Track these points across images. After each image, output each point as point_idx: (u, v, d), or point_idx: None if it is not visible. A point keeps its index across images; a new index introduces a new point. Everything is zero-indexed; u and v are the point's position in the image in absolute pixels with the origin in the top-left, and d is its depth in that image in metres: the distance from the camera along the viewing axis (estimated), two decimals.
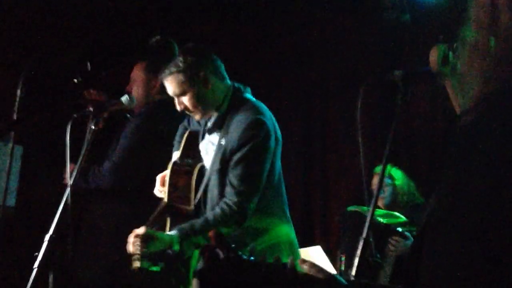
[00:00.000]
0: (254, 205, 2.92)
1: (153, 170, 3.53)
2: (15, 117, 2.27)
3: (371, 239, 2.14)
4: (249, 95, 3.16)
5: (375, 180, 5.16)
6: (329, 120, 5.94)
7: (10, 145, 2.46)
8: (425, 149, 5.50)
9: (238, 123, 2.97)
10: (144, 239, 2.76)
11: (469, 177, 1.08)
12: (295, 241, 3.14)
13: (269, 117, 3.04)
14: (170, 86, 3.05)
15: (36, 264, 2.61)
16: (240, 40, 5.74)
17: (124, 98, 3.23)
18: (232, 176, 2.92)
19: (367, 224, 2.17)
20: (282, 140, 3.13)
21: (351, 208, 4.47)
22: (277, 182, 3.08)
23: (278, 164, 3.08)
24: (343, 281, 1.40)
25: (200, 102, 3.03)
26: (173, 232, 2.85)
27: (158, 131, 3.58)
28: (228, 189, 2.93)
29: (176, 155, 3.30)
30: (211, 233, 1.41)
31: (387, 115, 5.58)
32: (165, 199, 3.13)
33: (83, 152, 2.88)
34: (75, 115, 2.90)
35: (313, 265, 1.41)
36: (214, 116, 3.11)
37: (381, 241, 3.80)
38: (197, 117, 3.11)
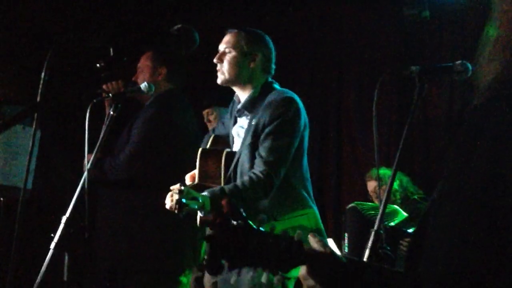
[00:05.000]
0: (281, 177, 3.01)
1: (167, 160, 3.56)
2: (38, 99, 2.30)
3: (381, 231, 2.16)
4: (278, 86, 3.25)
5: (371, 184, 5.18)
6: (344, 113, 5.94)
7: (33, 128, 2.49)
8: (441, 147, 5.49)
9: (269, 103, 3.07)
10: (180, 192, 2.81)
11: (474, 155, 1.10)
12: (320, 223, 3.19)
13: (299, 100, 3.15)
14: (229, 37, 3.19)
15: (52, 245, 2.65)
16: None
17: (143, 85, 3.27)
18: (262, 148, 3.02)
19: (379, 216, 2.19)
20: None
21: (350, 205, 4.52)
22: (305, 166, 3.19)
23: (305, 147, 3.18)
24: (343, 259, 1.44)
25: (235, 67, 3.13)
26: (204, 193, 2.91)
27: (171, 120, 3.60)
28: (257, 160, 3.02)
29: None
30: (223, 201, 1.45)
31: (403, 109, 5.58)
32: (196, 182, 3.19)
33: (101, 137, 2.91)
34: (94, 100, 2.93)
35: (319, 241, 1.45)
36: (243, 98, 3.19)
37: (392, 244, 3.83)
38: (219, 78, 3.18)
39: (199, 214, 2.93)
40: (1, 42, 4.96)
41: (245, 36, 3.17)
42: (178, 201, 2.72)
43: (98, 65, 2.09)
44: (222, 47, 3.20)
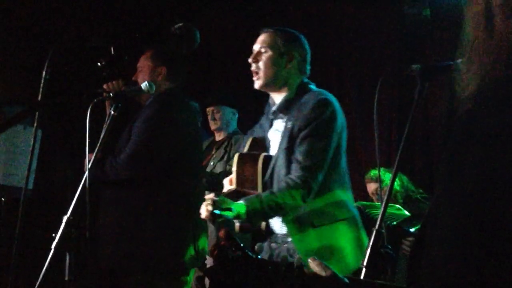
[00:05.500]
0: (319, 181, 2.93)
1: (168, 159, 3.56)
2: (39, 98, 2.31)
3: (383, 231, 2.16)
4: (314, 87, 3.18)
5: (371, 186, 5.18)
6: (345, 113, 5.93)
7: (33, 127, 2.49)
8: (442, 147, 5.49)
9: (304, 105, 2.99)
10: (215, 202, 2.79)
11: (465, 162, 1.11)
12: (362, 229, 3.10)
13: (336, 101, 3.07)
14: (265, 37, 3.10)
15: (53, 245, 2.65)
16: (255, 31, 5.74)
17: (144, 85, 3.26)
18: (298, 152, 2.94)
19: (380, 216, 2.19)
20: None
21: (354, 205, 4.51)
22: (344, 166, 3.11)
23: (344, 148, 3.10)
24: (345, 279, 1.43)
25: (271, 68, 3.05)
26: (240, 202, 2.86)
27: (171, 119, 3.59)
28: (294, 165, 2.94)
29: None
30: (221, 233, 1.45)
31: (403, 109, 5.58)
32: (233, 187, 3.12)
33: (102, 137, 2.90)
34: (95, 100, 2.92)
35: (319, 264, 1.45)
36: (279, 100, 3.11)
37: (395, 243, 3.83)
38: (256, 82, 3.10)
39: (236, 223, 2.90)
40: (1, 41, 4.96)
41: (282, 36, 3.08)
42: (211, 212, 2.71)
43: (99, 64, 2.10)
44: (257, 47, 3.11)
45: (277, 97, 3.12)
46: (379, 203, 4.61)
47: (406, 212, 4.31)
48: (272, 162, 3.04)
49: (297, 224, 2.97)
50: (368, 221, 4.21)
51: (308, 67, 3.16)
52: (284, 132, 3.03)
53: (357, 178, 5.74)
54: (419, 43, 5.67)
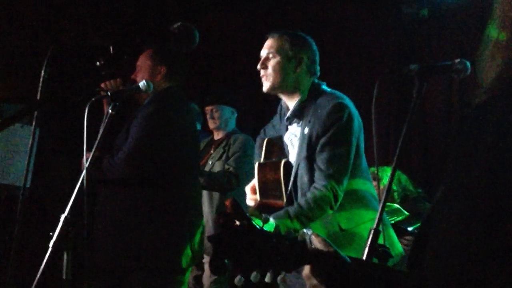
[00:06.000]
0: (344, 187, 2.92)
1: (166, 158, 3.56)
2: (38, 97, 2.30)
3: (380, 229, 2.17)
4: (326, 87, 3.16)
5: None
6: None
7: (32, 126, 2.49)
8: (440, 146, 5.49)
9: (320, 110, 2.96)
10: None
11: (476, 153, 1.11)
12: (389, 226, 3.13)
13: (350, 102, 3.04)
14: (272, 42, 3.07)
15: (51, 244, 2.65)
16: (254, 31, 5.75)
17: (142, 84, 3.26)
18: (320, 160, 2.92)
19: (378, 215, 2.20)
20: None
21: None
22: (364, 165, 3.09)
23: (362, 149, 3.08)
24: (347, 258, 1.44)
25: (280, 73, 3.03)
26: (271, 221, 2.78)
27: (169, 118, 3.59)
28: (317, 174, 2.92)
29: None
30: (227, 201, 1.45)
31: (401, 108, 5.59)
32: (258, 198, 3.12)
33: (99, 135, 2.90)
34: (93, 99, 2.92)
35: (323, 240, 1.45)
36: (293, 104, 3.10)
37: None
38: (265, 85, 3.08)
39: None
40: (0, 40, 4.96)
41: (289, 40, 3.06)
42: None
43: (97, 63, 2.09)
44: (264, 52, 3.09)
45: (290, 101, 3.11)
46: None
47: (405, 212, 4.31)
48: (294, 170, 3.02)
49: (324, 229, 2.98)
50: None
51: (318, 68, 3.14)
52: (302, 139, 3.00)
53: None
54: (417, 43, 5.67)
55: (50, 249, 2.62)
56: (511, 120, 1.09)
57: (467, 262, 1.07)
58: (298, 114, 3.06)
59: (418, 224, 4.01)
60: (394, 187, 4.79)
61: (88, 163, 2.79)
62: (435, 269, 1.13)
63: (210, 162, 5.12)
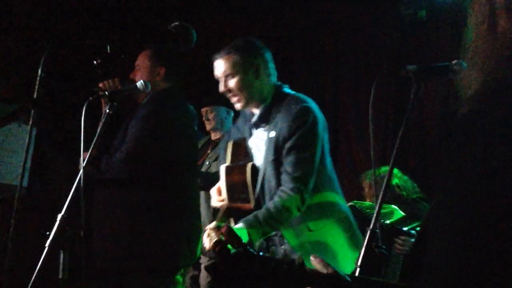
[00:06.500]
0: (310, 189, 2.97)
1: (164, 158, 3.56)
2: (35, 96, 2.30)
3: (377, 230, 2.17)
4: (288, 90, 3.19)
5: (367, 187, 5.18)
6: (341, 113, 5.95)
7: (29, 125, 2.49)
8: (437, 147, 5.50)
9: (285, 114, 3.01)
10: (217, 230, 2.82)
11: (465, 161, 1.11)
12: (353, 221, 3.17)
13: (314, 104, 3.08)
14: (224, 64, 3.08)
15: (47, 243, 2.64)
16: (252, 32, 5.75)
17: (139, 84, 3.26)
18: (286, 164, 2.97)
19: (374, 215, 2.20)
20: None
21: (349, 204, 4.52)
22: (330, 166, 3.14)
23: (327, 149, 3.13)
24: (347, 277, 1.43)
25: (246, 88, 3.07)
26: (240, 225, 2.88)
27: (167, 118, 3.58)
28: (284, 177, 2.98)
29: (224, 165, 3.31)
30: (223, 229, 1.45)
31: (399, 109, 5.59)
32: (226, 202, 3.16)
33: (97, 135, 2.90)
34: (90, 98, 2.92)
35: (320, 261, 1.45)
36: (258, 110, 3.13)
37: (388, 242, 3.85)
38: (238, 105, 3.12)
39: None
40: None
41: (237, 54, 3.07)
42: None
43: (95, 62, 2.09)
44: (221, 75, 3.10)
45: (255, 108, 3.15)
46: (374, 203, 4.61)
47: (401, 212, 4.32)
48: (261, 174, 3.07)
49: (293, 231, 3.04)
50: (364, 221, 4.22)
51: (273, 66, 3.16)
52: (268, 143, 3.05)
53: (352, 177, 5.75)
54: (415, 44, 5.68)
55: (46, 249, 2.62)
56: (499, 126, 1.09)
57: (464, 266, 1.07)
58: (264, 119, 3.10)
59: (414, 225, 4.02)
60: (399, 184, 4.77)
61: (85, 163, 2.79)
62: (433, 276, 1.13)
63: (207, 163, 5.12)
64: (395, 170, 4.70)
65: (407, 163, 5.54)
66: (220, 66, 3.10)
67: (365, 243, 2.16)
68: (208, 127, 5.30)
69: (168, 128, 3.58)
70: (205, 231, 2.90)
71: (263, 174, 3.06)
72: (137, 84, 3.27)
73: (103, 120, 2.93)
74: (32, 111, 2.41)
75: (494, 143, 1.08)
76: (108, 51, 2.08)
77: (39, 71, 2.39)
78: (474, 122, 1.12)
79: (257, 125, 3.15)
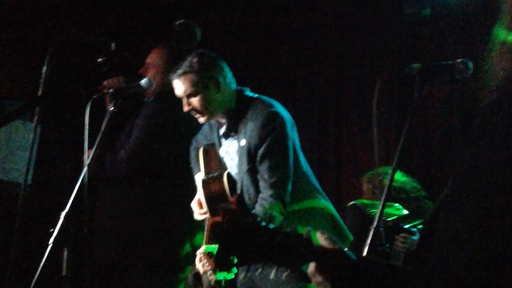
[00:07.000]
0: (289, 191, 3.02)
1: (168, 156, 3.56)
2: (40, 93, 2.31)
3: (381, 229, 2.17)
4: (250, 93, 3.22)
5: (365, 188, 5.17)
6: (344, 112, 5.94)
7: (33, 122, 2.49)
8: (440, 146, 5.49)
9: (254, 121, 3.05)
10: (208, 255, 2.85)
11: (488, 153, 1.10)
12: (335, 213, 3.24)
13: (278, 106, 3.13)
14: (182, 85, 3.10)
15: (51, 240, 2.65)
16: (256, 31, 5.75)
17: (144, 81, 3.26)
18: (262, 171, 3.03)
19: (378, 214, 2.20)
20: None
21: (352, 202, 4.52)
22: (303, 162, 3.20)
23: (298, 146, 3.18)
24: (352, 255, 1.44)
25: (210, 104, 3.10)
26: None
27: (173, 117, 3.59)
28: (262, 184, 3.03)
29: (200, 176, 3.34)
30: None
31: (403, 108, 5.58)
32: (208, 215, 3.20)
33: (101, 133, 2.90)
34: (94, 96, 2.92)
35: (328, 238, 1.46)
36: (223, 119, 3.17)
37: (389, 239, 3.85)
38: (202, 119, 3.17)
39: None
40: (1, 36, 4.96)
41: (193, 71, 3.08)
42: (215, 281, 2.79)
43: (99, 60, 2.10)
44: (182, 95, 3.12)
45: (221, 118, 3.19)
46: (377, 202, 4.60)
47: (405, 211, 4.31)
48: (239, 184, 3.11)
49: None
50: (366, 219, 4.22)
51: (231, 73, 3.18)
52: (240, 152, 3.09)
53: (355, 177, 5.74)
54: (419, 42, 5.66)
55: (50, 246, 2.63)
56: None
57: (478, 258, 1.07)
58: (232, 128, 3.14)
59: (415, 222, 4.02)
60: (396, 187, 4.77)
61: (89, 160, 2.80)
62: (443, 265, 1.13)
63: None
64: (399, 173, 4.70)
65: (410, 162, 5.53)
66: (179, 87, 3.12)
67: (368, 241, 2.17)
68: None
69: (172, 126, 3.58)
70: (196, 256, 2.93)
71: (241, 184, 3.10)
72: (141, 82, 3.27)
73: (107, 118, 2.93)
74: (37, 108, 2.42)
75: None
76: (113, 48, 2.08)
77: (44, 68, 2.40)
78: (498, 112, 1.12)
79: (226, 135, 3.19)
